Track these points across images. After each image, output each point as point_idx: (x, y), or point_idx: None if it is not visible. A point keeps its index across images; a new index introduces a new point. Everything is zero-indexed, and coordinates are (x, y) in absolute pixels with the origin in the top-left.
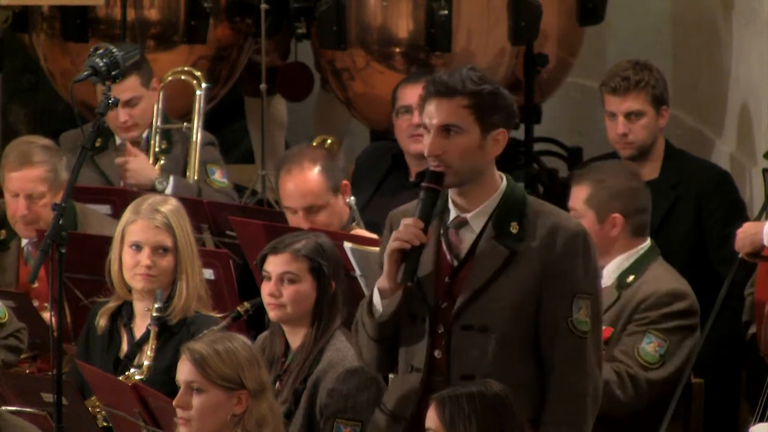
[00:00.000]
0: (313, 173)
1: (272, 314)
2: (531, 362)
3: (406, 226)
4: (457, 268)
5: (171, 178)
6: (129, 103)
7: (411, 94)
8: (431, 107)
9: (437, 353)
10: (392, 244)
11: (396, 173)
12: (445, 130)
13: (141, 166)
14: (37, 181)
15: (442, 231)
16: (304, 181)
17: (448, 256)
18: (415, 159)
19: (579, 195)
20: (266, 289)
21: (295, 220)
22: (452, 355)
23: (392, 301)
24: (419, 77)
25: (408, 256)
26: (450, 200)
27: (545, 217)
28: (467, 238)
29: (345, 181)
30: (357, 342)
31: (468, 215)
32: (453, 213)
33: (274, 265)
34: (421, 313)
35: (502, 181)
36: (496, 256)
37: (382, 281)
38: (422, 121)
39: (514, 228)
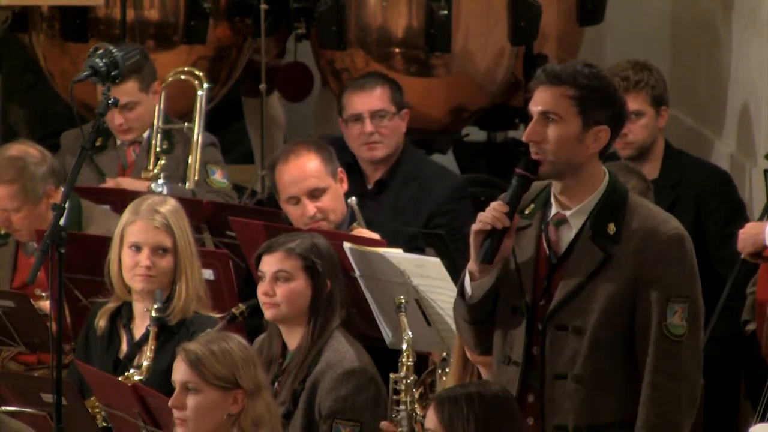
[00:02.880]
0: (311, 157)
1: (267, 314)
2: (623, 366)
3: (490, 209)
4: (554, 266)
5: (165, 187)
6: (126, 107)
7: (359, 102)
8: (537, 93)
9: (535, 350)
10: (475, 225)
11: (352, 183)
12: (545, 117)
13: (130, 183)
14: (7, 199)
15: (543, 226)
16: (304, 165)
17: (548, 253)
18: (371, 165)
19: None
20: (261, 288)
21: (298, 211)
22: (547, 355)
23: (482, 284)
24: (365, 84)
25: (490, 238)
26: (553, 195)
27: (643, 220)
28: (566, 236)
29: (341, 169)
30: (457, 325)
31: (567, 213)
32: (554, 209)
33: (268, 264)
34: (521, 307)
35: (604, 178)
36: (592, 258)
37: (471, 263)
38: (529, 107)
39: (611, 229)
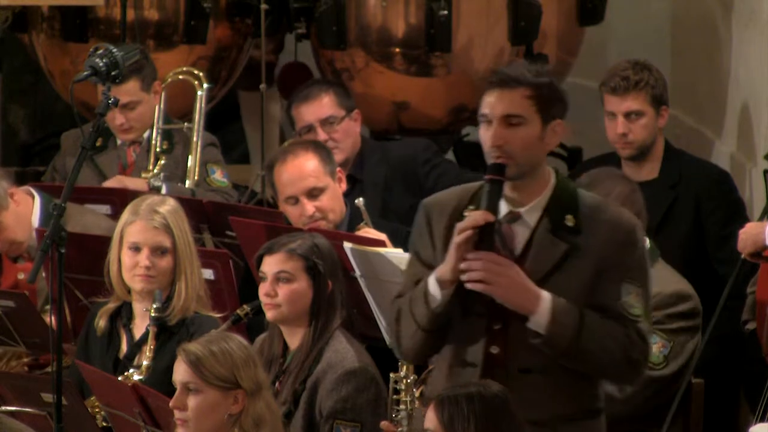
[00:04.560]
0: (309, 157)
1: (269, 314)
2: None
3: (469, 217)
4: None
5: (164, 186)
6: (127, 107)
7: (307, 112)
8: (492, 98)
9: (494, 349)
10: (457, 238)
11: None
12: (507, 120)
13: (131, 182)
14: None
15: (494, 226)
16: (302, 164)
17: (502, 252)
18: None
19: None
20: (262, 289)
21: (297, 210)
22: (510, 350)
23: (449, 292)
24: (309, 94)
25: (482, 236)
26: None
27: (601, 211)
28: (521, 233)
29: (339, 169)
30: (397, 331)
31: (522, 210)
32: (505, 208)
33: (270, 265)
34: (477, 308)
35: (552, 173)
36: (555, 250)
37: (444, 272)
38: (481, 112)
39: (570, 221)
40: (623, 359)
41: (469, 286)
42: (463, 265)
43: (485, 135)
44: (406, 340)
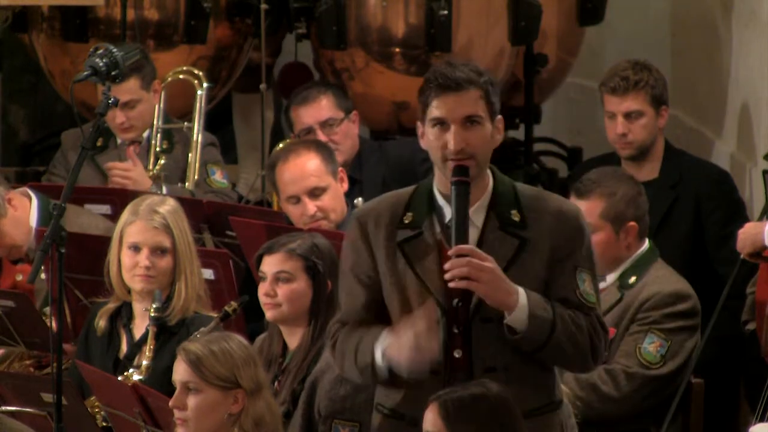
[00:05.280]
0: (311, 156)
1: (269, 314)
2: None
3: (420, 317)
4: None
5: (164, 188)
6: (127, 105)
7: (306, 115)
8: (449, 102)
9: (456, 353)
10: (418, 327)
11: None
12: (467, 121)
13: (140, 174)
14: None
15: (440, 231)
16: (304, 164)
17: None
18: None
19: (592, 210)
20: (262, 289)
21: (298, 210)
22: (474, 351)
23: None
24: (308, 96)
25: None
26: (443, 198)
27: (543, 201)
28: (471, 234)
29: (341, 168)
30: (342, 358)
31: (469, 211)
32: (448, 211)
33: (269, 264)
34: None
35: (489, 173)
36: (506, 247)
37: (400, 363)
38: (435, 116)
39: (515, 216)
40: (589, 348)
41: (453, 284)
42: (446, 265)
43: (440, 139)
44: (349, 372)
